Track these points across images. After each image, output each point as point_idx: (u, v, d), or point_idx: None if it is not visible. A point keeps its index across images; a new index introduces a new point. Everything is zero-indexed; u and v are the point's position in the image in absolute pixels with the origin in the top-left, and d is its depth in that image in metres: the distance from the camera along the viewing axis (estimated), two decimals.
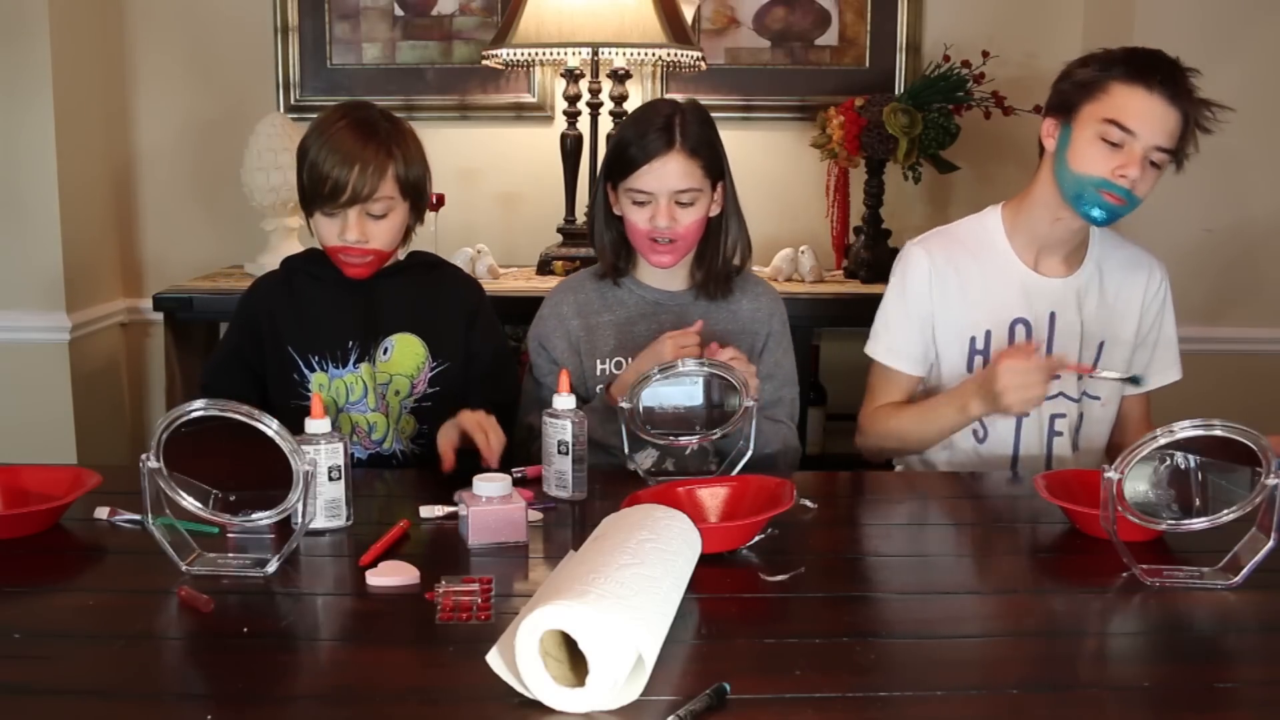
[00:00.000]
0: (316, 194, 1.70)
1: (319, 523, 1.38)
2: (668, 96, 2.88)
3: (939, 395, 1.86)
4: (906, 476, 1.88)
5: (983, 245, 1.87)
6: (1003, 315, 1.84)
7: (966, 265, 1.85)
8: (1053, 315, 1.84)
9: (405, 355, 1.80)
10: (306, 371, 1.78)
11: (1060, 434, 1.86)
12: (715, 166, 1.82)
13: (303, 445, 1.30)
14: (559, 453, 1.52)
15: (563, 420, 1.52)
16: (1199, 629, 1.18)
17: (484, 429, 1.60)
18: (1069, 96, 1.75)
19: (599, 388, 1.84)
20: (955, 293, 1.85)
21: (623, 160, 1.79)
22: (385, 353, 1.79)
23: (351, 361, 1.78)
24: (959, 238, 1.88)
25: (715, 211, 1.85)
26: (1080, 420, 1.88)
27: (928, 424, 1.84)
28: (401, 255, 1.86)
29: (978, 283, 1.84)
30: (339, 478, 1.40)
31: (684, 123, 1.78)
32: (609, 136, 2.72)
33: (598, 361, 1.86)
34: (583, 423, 1.53)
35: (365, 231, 1.72)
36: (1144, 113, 1.67)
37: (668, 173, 1.77)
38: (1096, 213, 1.74)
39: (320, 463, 1.38)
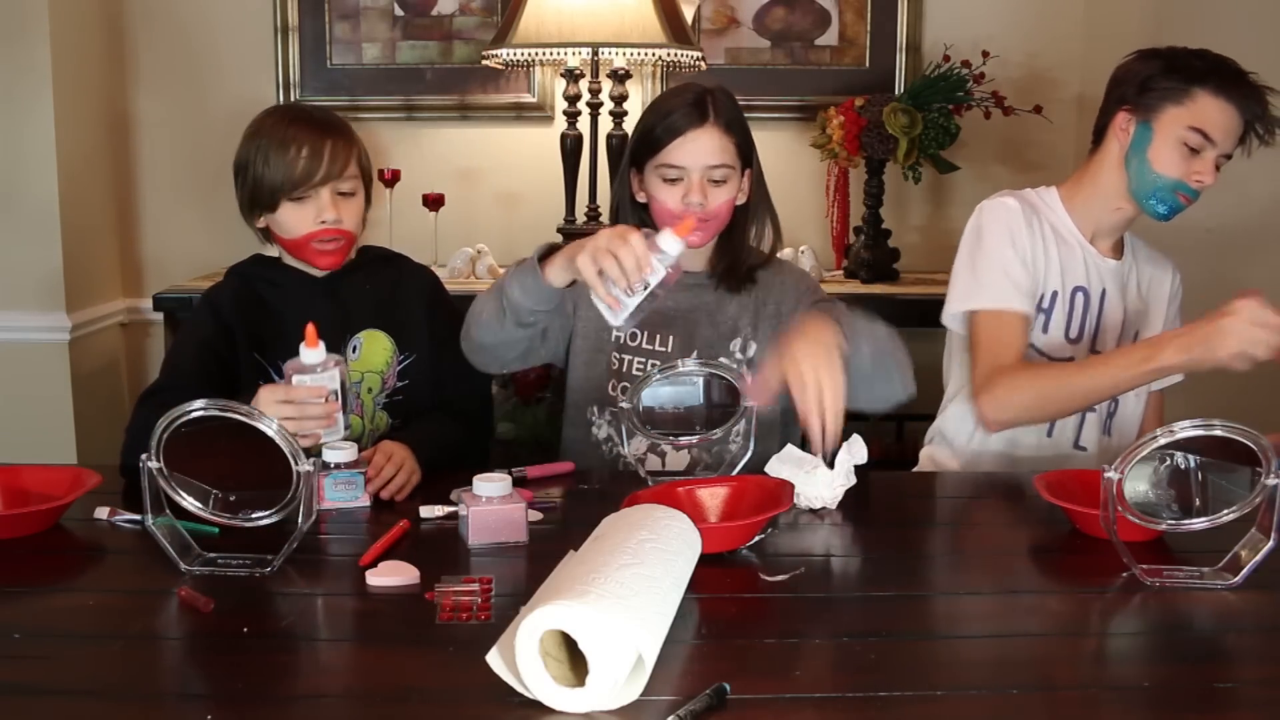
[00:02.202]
0: (285, 181, 1.69)
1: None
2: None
3: (1112, 349, 1.82)
4: (905, 477, 1.88)
5: (1052, 212, 1.90)
6: (1068, 280, 1.86)
7: (1042, 225, 1.87)
8: (1103, 293, 1.88)
9: (374, 351, 1.79)
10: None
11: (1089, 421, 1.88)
12: (746, 148, 1.79)
13: (298, 375, 1.36)
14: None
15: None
16: (1199, 629, 1.18)
17: (395, 463, 1.56)
18: (1152, 97, 1.78)
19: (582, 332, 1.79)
20: (1037, 246, 1.85)
21: (653, 136, 1.75)
22: (355, 351, 1.79)
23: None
24: (1030, 200, 1.90)
25: (742, 200, 1.81)
26: (1115, 408, 1.90)
27: (1098, 376, 1.69)
28: (351, 253, 1.83)
29: (1052, 244, 1.86)
30: (336, 399, 1.48)
31: (716, 100, 1.77)
32: (610, 136, 2.73)
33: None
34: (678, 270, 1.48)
35: (340, 210, 1.72)
36: (1226, 125, 1.76)
37: (701, 146, 1.73)
38: (1163, 209, 1.82)
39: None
